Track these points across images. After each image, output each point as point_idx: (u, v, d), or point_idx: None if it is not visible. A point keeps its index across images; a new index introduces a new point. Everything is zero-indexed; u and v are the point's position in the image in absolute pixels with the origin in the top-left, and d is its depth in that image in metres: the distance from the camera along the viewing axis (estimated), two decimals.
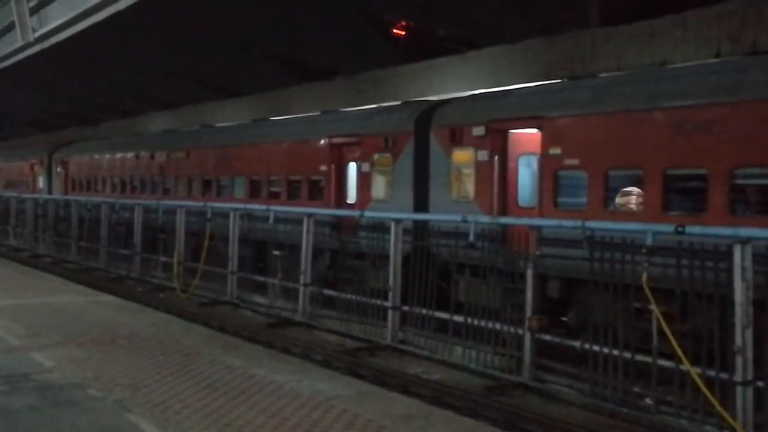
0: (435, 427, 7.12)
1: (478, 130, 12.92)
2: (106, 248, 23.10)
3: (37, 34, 25.38)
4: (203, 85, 25.28)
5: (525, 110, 12.49)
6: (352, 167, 16.04)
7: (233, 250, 16.68)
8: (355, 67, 19.88)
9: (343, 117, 17.45)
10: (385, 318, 12.70)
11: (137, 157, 25.48)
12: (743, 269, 8.08)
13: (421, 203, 14.03)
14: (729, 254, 8.22)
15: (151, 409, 7.39)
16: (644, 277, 8.86)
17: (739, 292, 8.07)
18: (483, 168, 12.85)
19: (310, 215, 14.76)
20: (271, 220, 15.65)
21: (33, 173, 35.38)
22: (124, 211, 22.85)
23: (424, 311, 12.23)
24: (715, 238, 8.63)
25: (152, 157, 24.20)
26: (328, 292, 14.78)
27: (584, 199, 11.33)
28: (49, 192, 32.18)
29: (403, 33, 18.25)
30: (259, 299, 16.67)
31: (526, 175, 12.99)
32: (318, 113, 19.08)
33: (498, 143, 12.85)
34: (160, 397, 7.76)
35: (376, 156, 15.12)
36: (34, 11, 25.60)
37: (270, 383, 8.47)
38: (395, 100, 17.70)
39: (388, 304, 12.61)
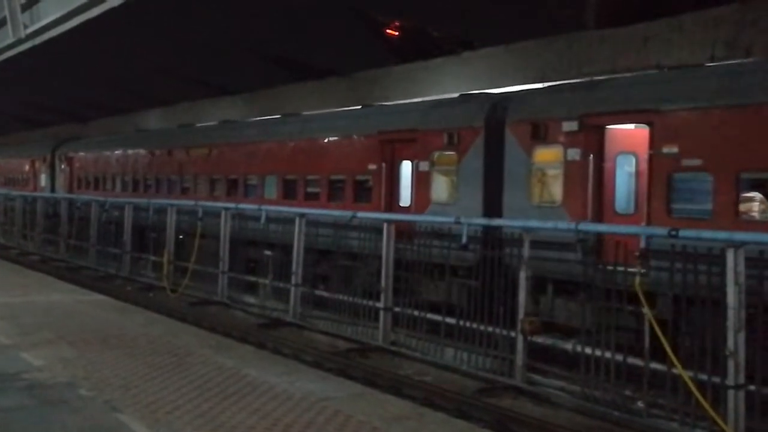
0: (427, 429, 7.09)
1: (570, 126, 11.47)
2: (96, 247, 22.98)
3: (28, 31, 25.28)
4: (197, 83, 25.22)
5: (629, 103, 11.09)
6: (406, 166, 14.62)
7: (224, 250, 16.57)
8: (350, 66, 19.87)
9: (396, 110, 15.91)
10: (376, 319, 12.66)
11: (152, 153, 23.72)
12: (736, 273, 8.09)
13: (492, 207, 12.55)
14: (722, 258, 8.23)
15: (141, 409, 7.33)
16: (636, 280, 8.86)
17: (732, 296, 8.08)
18: (574, 169, 11.47)
19: (302, 215, 14.68)
20: (262, 219, 15.54)
21: (34, 170, 33.58)
22: (113, 209, 22.73)
23: (415, 313, 12.19)
24: (708, 242, 8.62)
25: (170, 153, 22.54)
26: (319, 292, 14.69)
27: (709, 206, 9.95)
28: (52, 191, 30.55)
29: (397, 33, 18.25)
30: (249, 299, 16.59)
31: (624, 178, 11.53)
32: (361, 107, 17.68)
33: (593, 140, 11.36)
34: (151, 398, 7.71)
35: (436, 154, 13.68)
36: (26, 7, 25.51)
37: (262, 384, 8.42)
38: (389, 100, 17.67)
39: (380, 305, 12.56)
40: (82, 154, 29.57)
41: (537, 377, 10.37)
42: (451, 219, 11.72)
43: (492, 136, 12.75)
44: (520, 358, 10.36)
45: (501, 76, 15.83)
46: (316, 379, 9.11)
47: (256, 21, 18.44)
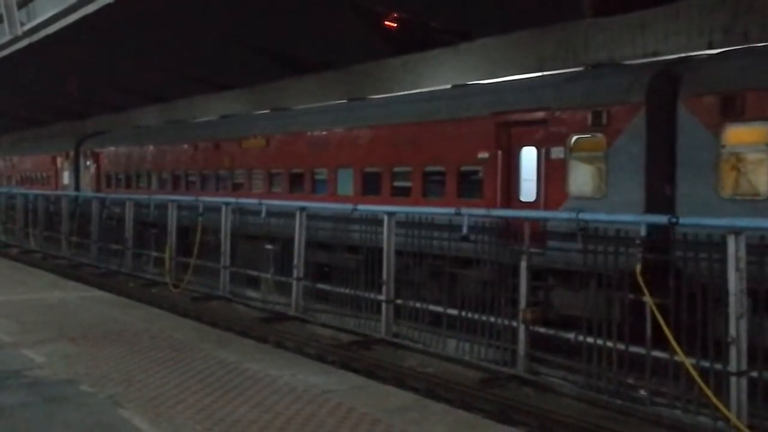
0: (430, 420, 7.09)
1: None
2: (97, 244, 22.99)
3: (25, 28, 25.23)
4: (193, 79, 25.17)
5: None
6: (529, 153, 12.16)
7: (226, 245, 16.55)
8: (347, 59, 19.82)
9: (517, 87, 13.29)
10: (378, 312, 12.66)
11: (195, 146, 21.29)
12: (737, 259, 8.09)
13: (657, 201, 10.38)
14: (723, 245, 8.22)
15: (143, 404, 7.33)
16: (637, 268, 8.85)
17: (733, 283, 8.07)
18: None
19: (302, 209, 14.64)
20: (263, 214, 15.52)
21: (55, 168, 30.71)
22: (114, 206, 22.73)
23: (417, 304, 12.18)
24: (709, 228, 8.60)
25: (217, 146, 20.23)
26: (321, 286, 14.64)
27: None
28: (77, 189, 27.90)
29: (395, 25, 18.20)
30: (252, 294, 16.59)
31: None
32: (469, 84, 14.70)
33: None
34: (153, 393, 7.71)
35: (575, 137, 11.36)
36: (22, 4, 25.44)
37: (264, 378, 8.43)
38: (388, 92, 17.61)
39: (382, 297, 12.56)
40: (111, 149, 26.84)
41: (539, 367, 10.38)
42: (451, 210, 11.65)
43: (657, 113, 10.48)
44: (522, 347, 10.37)
45: (498, 67, 15.78)
46: (318, 372, 9.12)
47: (253, 16, 18.40)
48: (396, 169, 14.48)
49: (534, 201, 11.87)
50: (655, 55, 12.62)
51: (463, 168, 13.11)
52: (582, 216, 9.84)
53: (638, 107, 10.63)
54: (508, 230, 11.14)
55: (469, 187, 13.06)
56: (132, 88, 28.24)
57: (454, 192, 13.20)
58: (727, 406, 8.01)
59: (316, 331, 13.71)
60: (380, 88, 18.30)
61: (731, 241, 8.11)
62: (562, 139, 11.51)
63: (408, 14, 17.67)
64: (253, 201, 16.09)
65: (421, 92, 15.92)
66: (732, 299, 8.06)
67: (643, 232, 9.12)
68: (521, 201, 12.17)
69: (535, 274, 10.52)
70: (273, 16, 18.20)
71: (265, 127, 18.85)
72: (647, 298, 8.76)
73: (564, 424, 8.61)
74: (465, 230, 11.23)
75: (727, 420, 7.99)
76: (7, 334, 10.61)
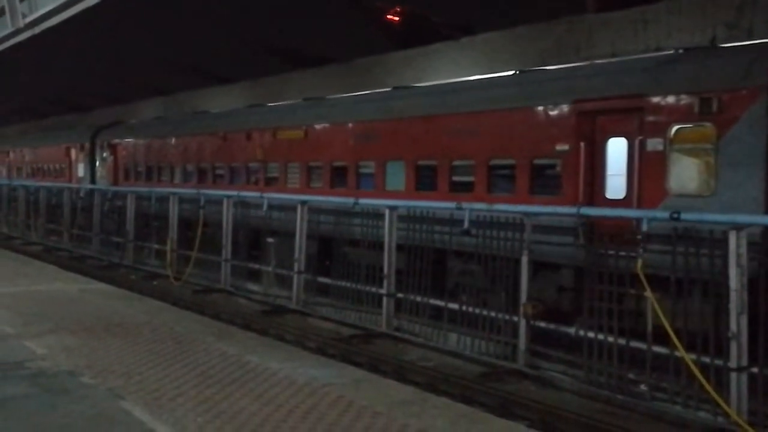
0: (430, 414, 7.10)
1: None
2: (99, 236, 23.02)
3: (27, 20, 25.21)
4: (196, 72, 25.18)
5: None
6: (617, 145, 10.98)
7: (227, 238, 16.57)
8: (349, 54, 19.80)
9: (604, 71, 12.01)
10: (380, 305, 12.67)
11: (224, 138, 20.00)
12: (738, 255, 8.09)
13: None
14: (724, 241, 8.22)
15: (144, 396, 7.34)
16: (639, 263, 8.85)
17: (734, 279, 8.08)
18: None
19: (303, 203, 14.66)
20: (265, 208, 15.52)
21: (69, 160, 29.62)
22: (117, 199, 22.76)
23: (418, 298, 12.19)
24: (710, 224, 8.60)
25: (249, 137, 19.01)
26: (322, 279, 14.66)
27: None
28: (92, 182, 26.96)
29: (397, 19, 18.17)
30: (253, 287, 16.61)
31: None
32: (544, 69, 13.55)
33: None
34: (154, 385, 7.72)
35: (676, 127, 10.15)
36: None
37: (264, 370, 8.43)
38: (388, 86, 17.58)
39: (383, 291, 12.58)
40: (130, 140, 25.69)
41: (540, 361, 10.40)
42: (452, 205, 11.64)
43: None
44: (522, 342, 10.38)
45: (500, 61, 15.75)
46: (318, 365, 9.12)
47: (256, 10, 18.37)
48: (456, 163, 13.26)
49: (624, 198, 10.72)
50: (657, 50, 12.59)
51: (537, 161, 11.93)
52: (583, 211, 9.84)
53: (757, 92, 9.52)
54: (593, 231, 10.04)
55: (543, 182, 11.88)
56: (134, 80, 28.21)
57: (526, 188, 12.00)
58: (728, 401, 8.02)
59: (317, 324, 13.73)
60: (382, 83, 18.28)
61: (732, 237, 8.12)
62: (660, 130, 10.29)
63: (410, 8, 17.64)
64: (293, 197, 15.28)
65: (484, 78, 14.69)
66: (733, 295, 8.07)
67: (644, 227, 9.09)
68: (607, 198, 11.01)
69: (621, 280, 9.40)
70: (276, 11, 18.18)
71: (303, 117, 17.59)
72: (648, 294, 8.78)
73: (564, 419, 8.63)
74: (466, 225, 11.22)
75: (727, 416, 8.00)
76: (9, 325, 10.62)
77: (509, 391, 9.65)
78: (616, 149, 10.96)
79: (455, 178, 13.27)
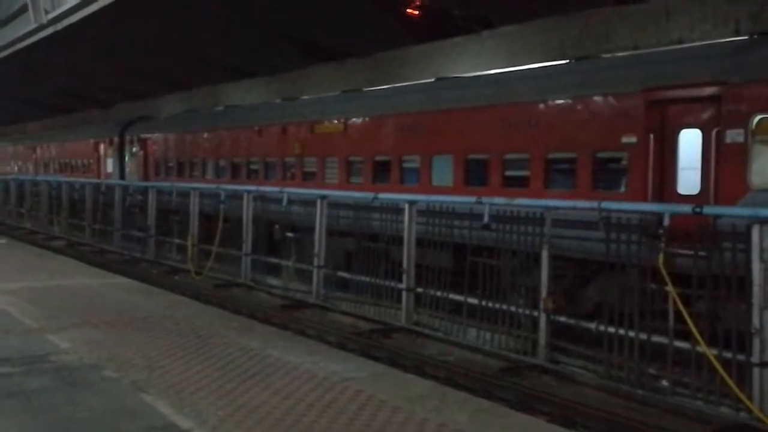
0: (450, 408, 7.10)
1: None
2: (120, 231, 23.20)
3: (50, 16, 25.43)
4: (216, 66, 25.28)
5: None
6: (690, 137, 10.23)
7: (247, 232, 16.64)
8: (369, 47, 19.80)
9: (675, 56, 11.16)
10: (399, 300, 12.68)
11: (259, 132, 19.54)
12: (762, 250, 8.01)
13: None
14: (747, 235, 8.14)
15: (166, 389, 7.41)
16: (660, 258, 8.79)
17: (757, 273, 8.00)
18: None
19: (323, 197, 14.69)
20: (285, 202, 15.56)
21: (98, 155, 29.29)
22: (137, 194, 22.94)
23: (438, 293, 12.18)
24: (733, 218, 8.51)
25: (284, 131, 18.48)
26: (341, 274, 14.66)
27: None
28: (121, 178, 26.73)
29: (417, 13, 18.14)
30: (273, 281, 16.68)
31: None
32: (610, 56, 12.75)
33: None
34: (176, 378, 7.79)
35: (758, 117, 9.43)
36: None
37: (285, 364, 8.47)
38: (408, 80, 17.56)
39: (402, 285, 12.58)
40: (161, 135, 25.27)
41: (560, 356, 10.36)
42: (472, 199, 11.63)
43: None
44: (543, 337, 10.35)
45: (520, 55, 15.68)
46: (338, 359, 9.15)
47: (276, 3, 18.41)
48: (508, 156, 12.60)
49: (698, 194, 9.94)
50: (680, 42, 12.47)
51: (601, 154, 11.27)
52: (604, 205, 9.77)
53: None
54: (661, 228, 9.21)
55: (608, 176, 11.28)
56: (155, 75, 28.36)
57: (588, 182, 11.29)
58: (750, 397, 7.95)
59: (337, 318, 13.76)
60: (402, 76, 18.27)
61: (755, 231, 8.03)
62: (741, 120, 9.57)
63: (430, 2, 17.59)
64: (367, 194, 14.01)
65: (536, 67, 13.86)
66: (756, 290, 7.98)
67: (666, 221, 9.03)
68: (680, 194, 10.25)
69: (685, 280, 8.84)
70: (296, 4, 18.20)
71: (343, 110, 16.91)
72: (669, 288, 8.72)
73: (585, 414, 8.60)
74: (486, 219, 11.20)
75: (749, 411, 7.94)
76: (32, 319, 10.75)
77: (529, 386, 9.61)
78: (689, 141, 10.23)
79: (508, 173, 12.61)
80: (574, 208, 10.60)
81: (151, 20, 21.28)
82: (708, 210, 8.71)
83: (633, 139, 10.67)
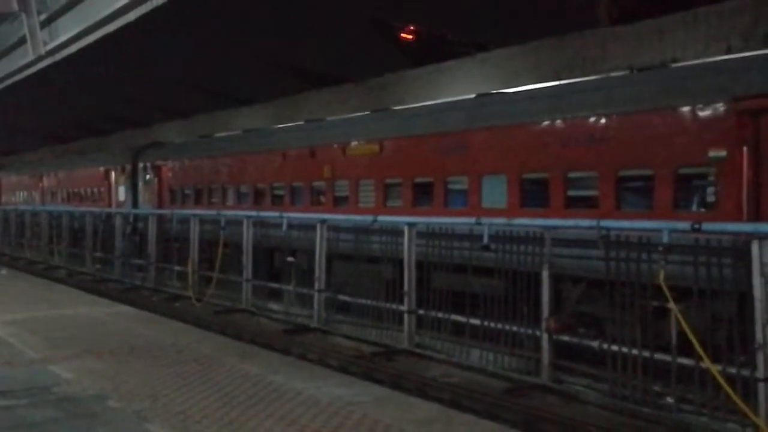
0: (456, 431, 7.09)
1: None
2: (121, 259, 23.21)
3: (48, 48, 25.58)
4: (214, 94, 25.37)
5: None
6: None
7: (248, 257, 16.65)
8: (365, 72, 19.92)
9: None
10: (401, 322, 12.68)
11: (284, 156, 18.89)
12: (762, 265, 8.03)
13: None
14: (747, 251, 8.16)
15: (170, 419, 7.39)
16: (661, 274, 8.81)
17: (758, 288, 8.02)
18: None
19: (323, 221, 14.73)
20: (284, 226, 15.58)
21: (108, 183, 28.55)
22: (138, 221, 22.96)
23: (440, 315, 12.18)
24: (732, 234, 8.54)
25: (312, 154, 17.83)
26: (342, 297, 14.67)
27: None
28: (134, 206, 25.85)
29: (411, 37, 18.27)
30: (273, 306, 16.67)
31: None
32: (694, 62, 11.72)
33: None
34: (179, 407, 7.77)
35: None
36: (44, 24, 25.81)
37: (288, 390, 8.47)
38: (404, 104, 17.64)
39: (404, 308, 12.58)
40: (176, 161, 24.39)
41: (564, 376, 10.35)
42: (471, 220, 11.67)
43: None
44: (546, 356, 10.34)
45: (515, 77, 15.78)
46: (342, 383, 9.14)
47: (273, 31, 18.54)
48: (571, 175, 11.78)
49: None
50: (674, 61, 12.57)
51: (683, 171, 10.35)
52: (603, 224, 9.80)
53: None
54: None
55: (692, 195, 10.40)
56: (153, 104, 28.44)
57: (669, 202, 10.38)
58: (756, 412, 7.94)
59: (339, 342, 13.74)
60: (397, 100, 18.37)
61: (755, 247, 8.06)
62: None
63: (424, 26, 17.73)
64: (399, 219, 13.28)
65: (601, 78, 12.94)
66: (758, 305, 8.00)
67: (665, 238, 9.05)
68: None
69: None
70: (293, 31, 18.35)
71: (377, 130, 16.31)
72: (671, 305, 8.72)
73: None
74: (486, 240, 11.23)
75: (755, 426, 7.92)
76: (34, 350, 10.73)
77: (534, 406, 9.60)
78: None
79: (571, 193, 11.81)
80: (574, 227, 10.60)
81: (149, 50, 21.42)
82: (707, 227, 8.73)
83: (722, 153, 9.82)
